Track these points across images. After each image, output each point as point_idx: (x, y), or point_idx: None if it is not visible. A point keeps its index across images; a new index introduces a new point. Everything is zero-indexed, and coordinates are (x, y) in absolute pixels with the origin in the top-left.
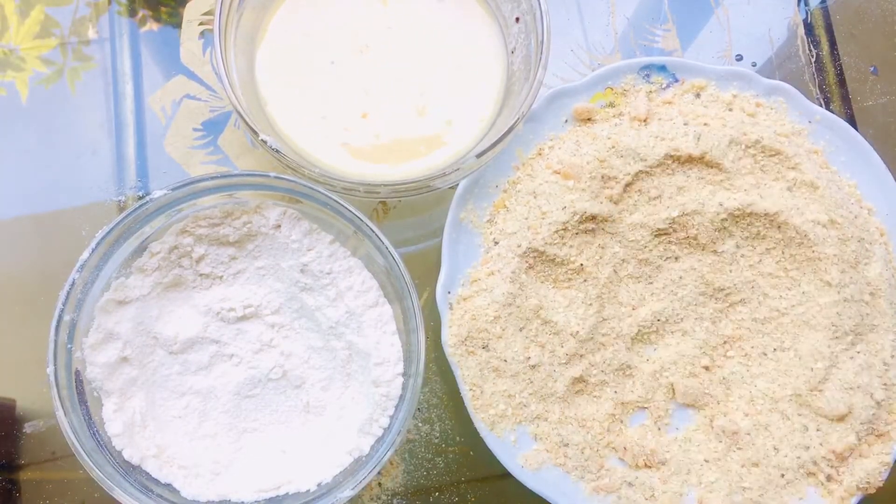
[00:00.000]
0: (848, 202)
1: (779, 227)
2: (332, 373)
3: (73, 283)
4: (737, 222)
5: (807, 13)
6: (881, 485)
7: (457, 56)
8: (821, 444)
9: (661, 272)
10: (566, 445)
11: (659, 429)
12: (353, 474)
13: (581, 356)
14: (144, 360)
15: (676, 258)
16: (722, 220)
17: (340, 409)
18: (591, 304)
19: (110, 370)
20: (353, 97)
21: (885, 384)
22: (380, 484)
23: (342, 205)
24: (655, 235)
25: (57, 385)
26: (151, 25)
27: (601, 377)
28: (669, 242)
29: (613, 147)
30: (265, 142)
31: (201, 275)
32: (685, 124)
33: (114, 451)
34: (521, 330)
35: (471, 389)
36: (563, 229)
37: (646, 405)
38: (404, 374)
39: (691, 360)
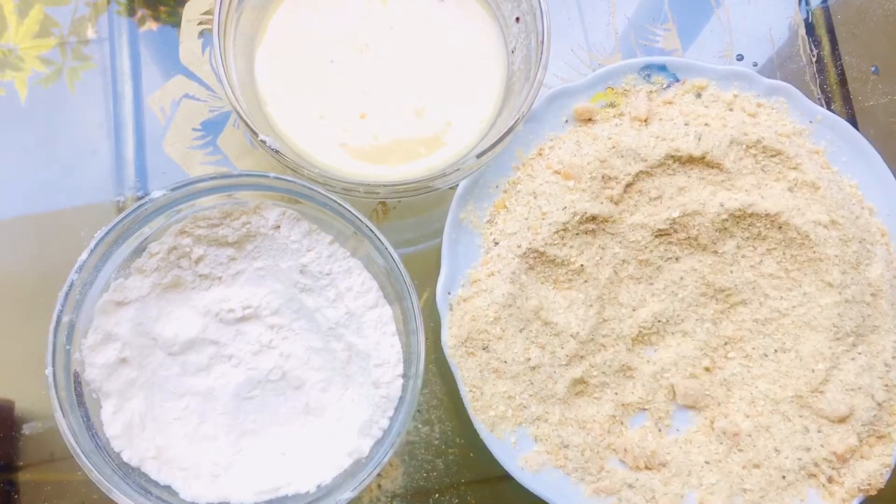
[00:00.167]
0: (849, 203)
1: (780, 227)
2: (332, 374)
3: (71, 284)
4: (738, 223)
5: (808, 13)
6: (882, 486)
7: (457, 56)
8: (822, 446)
9: (661, 273)
10: (566, 447)
11: (659, 430)
12: (353, 476)
13: (581, 357)
14: (143, 361)
15: (677, 259)
16: (723, 220)
17: (340, 411)
18: (591, 305)
19: (109, 371)
20: (352, 97)
21: (886, 385)
22: (379, 486)
23: (342, 205)
24: (656, 236)
25: (55, 386)
26: (150, 25)
27: (601, 378)
28: (670, 243)
29: (614, 147)
30: (264, 142)
31: (200, 276)
32: (686, 124)
33: (112, 452)
34: (521, 331)
35: (471, 391)
36: (563, 230)
37: (646, 406)
38: (404, 376)
39: (692, 361)
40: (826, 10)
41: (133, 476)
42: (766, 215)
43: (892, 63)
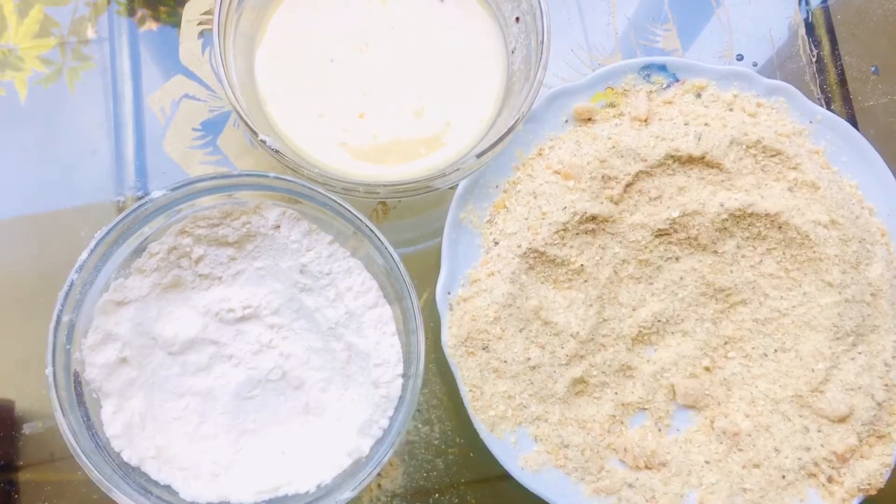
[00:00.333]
0: (849, 202)
1: (780, 227)
2: (332, 374)
3: (71, 284)
4: (737, 223)
5: (808, 13)
6: (882, 486)
7: (457, 56)
8: (822, 446)
9: (661, 273)
10: (566, 447)
11: (659, 430)
12: (353, 476)
13: (581, 357)
14: (143, 361)
15: (677, 259)
16: (723, 220)
17: (340, 411)
18: (591, 305)
19: (109, 371)
20: (352, 97)
21: (886, 385)
22: (379, 485)
23: (342, 205)
24: (656, 236)
25: (56, 386)
26: (150, 25)
27: (601, 378)
28: (670, 243)
29: (614, 147)
30: (264, 142)
31: (200, 275)
32: (686, 124)
33: (112, 452)
34: (521, 331)
35: (471, 390)
36: (563, 230)
37: (646, 406)
38: (404, 375)
39: (692, 360)
40: (826, 10)
41: (133, 476)
42: (766, 215)
43: (892, 63)
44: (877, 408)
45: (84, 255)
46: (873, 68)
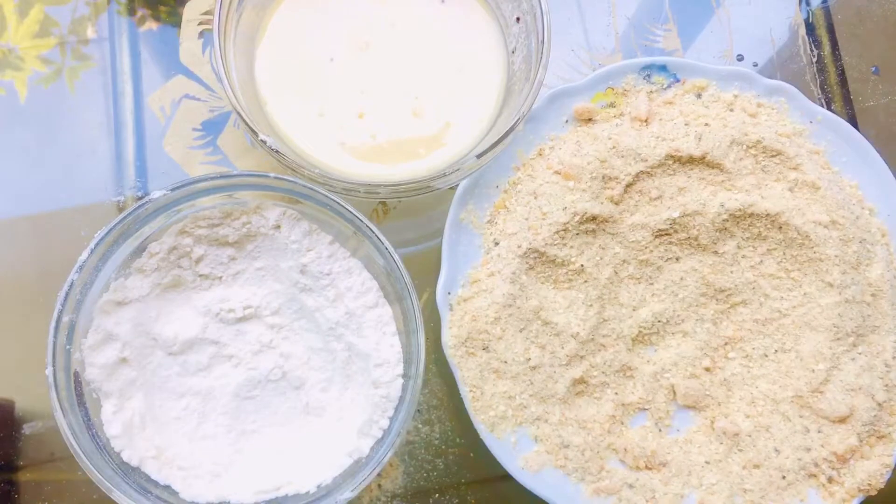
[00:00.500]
0: (849, 203)
1: (780, 227)
2: (332, 374)
3: (71, 284)
4: (738, 223)
5: (808, 13)
6: (882, 486)
7: (457, 56)
8: (822, 446)
9: (661, 273)
10: (566, 447)
11: (660, 430)
12: (353, 476)
13: (581, 357)
14: (143, 361)
15: (677, 259)
16: (723, 220)
17: (340, 411)
18: (591, 305)
19: (109, 371)
20: (352, 97)
21: (886, 385)
22: (379, 486)
23: (342, 205)
24: (656, 236)
25: (56, 386)
26: (150, 25)
27: (602, 378)
28: (670, 243)
29: (614, 147)
30: (265, 142)
31: (200, 275)
32: (686, 125)
33: (113, 452)
34: (521, 331)
35: (471, 391)
36: (563, 230)
37: (646, 406)
38: (404, 376)
39: (692, 361)
40: (826, 11)
41: (133, 476)
42: (767, 215)
43: (892, 63)
44: (877, 408)
45: (84, 255)
46: (874, 68)
